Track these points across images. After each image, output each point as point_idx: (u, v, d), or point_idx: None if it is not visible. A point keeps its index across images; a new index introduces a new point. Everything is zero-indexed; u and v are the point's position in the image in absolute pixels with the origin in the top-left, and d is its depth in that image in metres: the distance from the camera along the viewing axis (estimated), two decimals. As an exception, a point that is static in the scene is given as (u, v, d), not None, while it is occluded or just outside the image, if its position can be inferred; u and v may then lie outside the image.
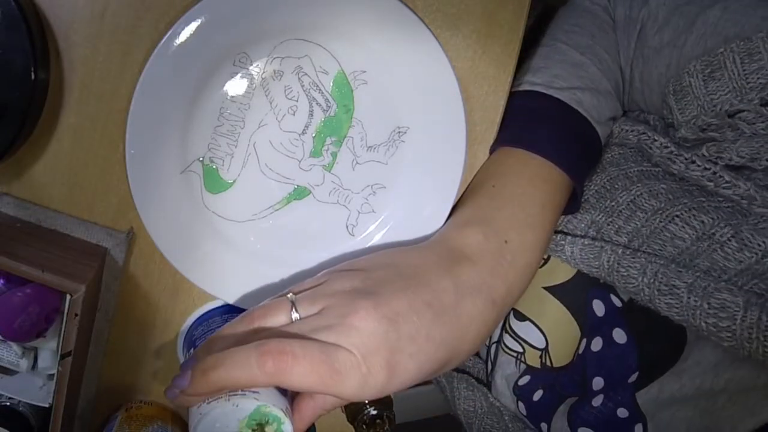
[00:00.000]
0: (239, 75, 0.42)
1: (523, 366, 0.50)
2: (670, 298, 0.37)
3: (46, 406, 0.46)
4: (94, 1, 0.40)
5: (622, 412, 0.41)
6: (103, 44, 0.41)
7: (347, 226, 0.47)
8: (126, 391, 0.53)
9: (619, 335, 0.43)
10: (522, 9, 0.45)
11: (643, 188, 0.43)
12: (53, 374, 0.44)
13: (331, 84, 0.43)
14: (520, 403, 0.49)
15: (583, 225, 0.46)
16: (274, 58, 0.42)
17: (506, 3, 0.44)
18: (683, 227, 0.39)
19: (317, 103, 0.43)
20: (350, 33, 0.41)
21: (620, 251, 0.41)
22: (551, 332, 0.48)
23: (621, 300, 0.44)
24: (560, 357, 0.48)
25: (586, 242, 0.44)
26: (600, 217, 0.45)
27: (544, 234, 0.43)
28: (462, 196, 0.47)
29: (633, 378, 0.41)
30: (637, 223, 0.42)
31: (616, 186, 0.45)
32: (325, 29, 0.41)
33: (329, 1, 0.40)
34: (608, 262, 0.41)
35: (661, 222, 0.40)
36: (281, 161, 0.44)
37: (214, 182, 0.44)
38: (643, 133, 0.46)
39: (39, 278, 0.39)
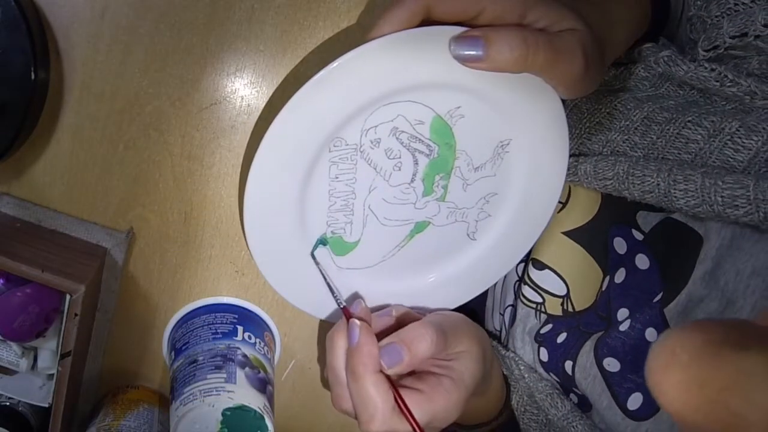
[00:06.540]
0: (338, 157, 0.41)
1: (543, 316, 0.50)
2: (685, 184, 0.38)
3: (46, 406, 0.46)
4: (94, 1, 0.40)
5: (650, 334, 0.41)
6: (103, 44, 0.41)
7: (468, 234, 0.48)
8: (126, 391, 0.53)
9: (642, 261, 0.44)
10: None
11: (654, 105, 0.44)
12: (53, 374, 0.44)
13: (429, 130, 0.42)
14: (542, 349, 0.49)
15: (597, 145, 0.47)
16: (368, 130, 0.41)
17: None
18: (695, 129, 0.41)
19: (420, 152, 0.43)
20: (435, 79, 0.40)
21: (635, 160, 0.42)
22: (572, 278, 0.48)
23: (642, 233, 0.44)
24: (582, 300, 0.48)
25: (600, 158, 0.45)
26: (615, 135, 0.46)
27: (628, 34, 0.45)
28: None
29: (658, 297, 0.42)
30: (653, 136, 0.43)
31: (628, 107, 0.46)
32: (409, 87, 0.40)
33: (405, 65, 0.38)
34: (623, 170, 0.42)
35: (675, 129, 0.42)
36: (398, 210, 0.45)
37: (340, 247, 0.45)
38: (652, 46, 0.47)
39: (39, 278, 0.39)
